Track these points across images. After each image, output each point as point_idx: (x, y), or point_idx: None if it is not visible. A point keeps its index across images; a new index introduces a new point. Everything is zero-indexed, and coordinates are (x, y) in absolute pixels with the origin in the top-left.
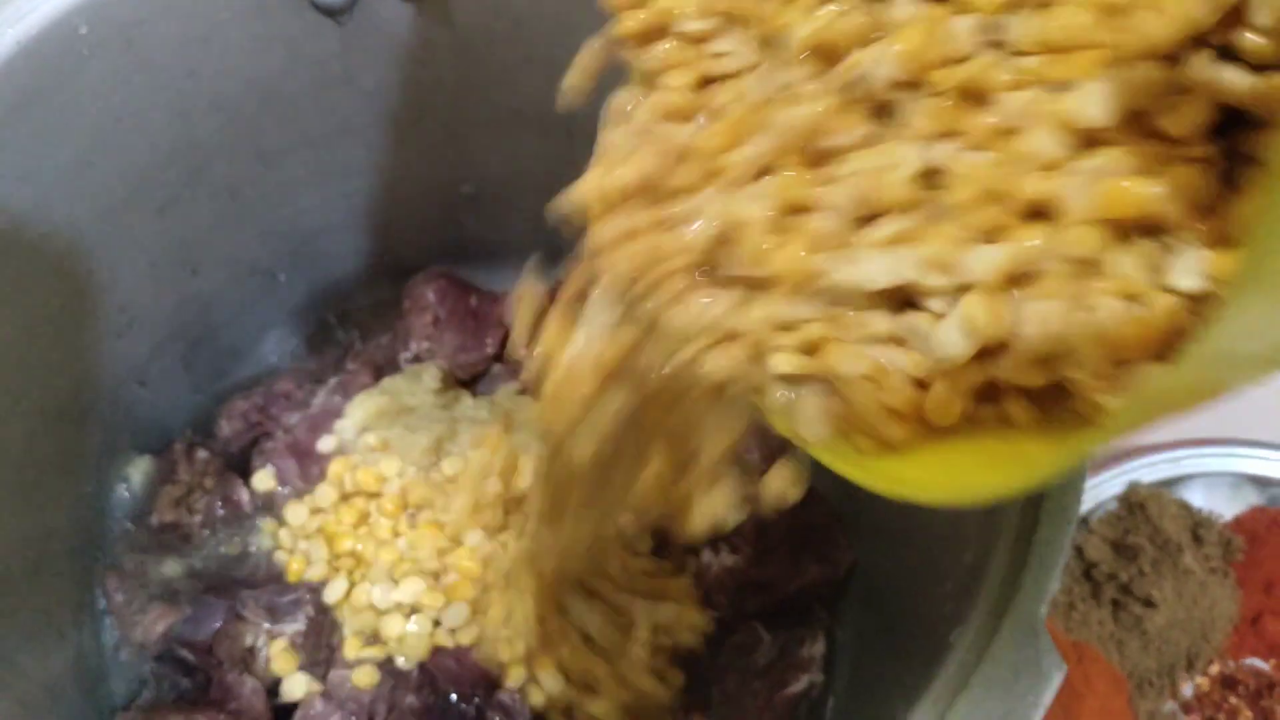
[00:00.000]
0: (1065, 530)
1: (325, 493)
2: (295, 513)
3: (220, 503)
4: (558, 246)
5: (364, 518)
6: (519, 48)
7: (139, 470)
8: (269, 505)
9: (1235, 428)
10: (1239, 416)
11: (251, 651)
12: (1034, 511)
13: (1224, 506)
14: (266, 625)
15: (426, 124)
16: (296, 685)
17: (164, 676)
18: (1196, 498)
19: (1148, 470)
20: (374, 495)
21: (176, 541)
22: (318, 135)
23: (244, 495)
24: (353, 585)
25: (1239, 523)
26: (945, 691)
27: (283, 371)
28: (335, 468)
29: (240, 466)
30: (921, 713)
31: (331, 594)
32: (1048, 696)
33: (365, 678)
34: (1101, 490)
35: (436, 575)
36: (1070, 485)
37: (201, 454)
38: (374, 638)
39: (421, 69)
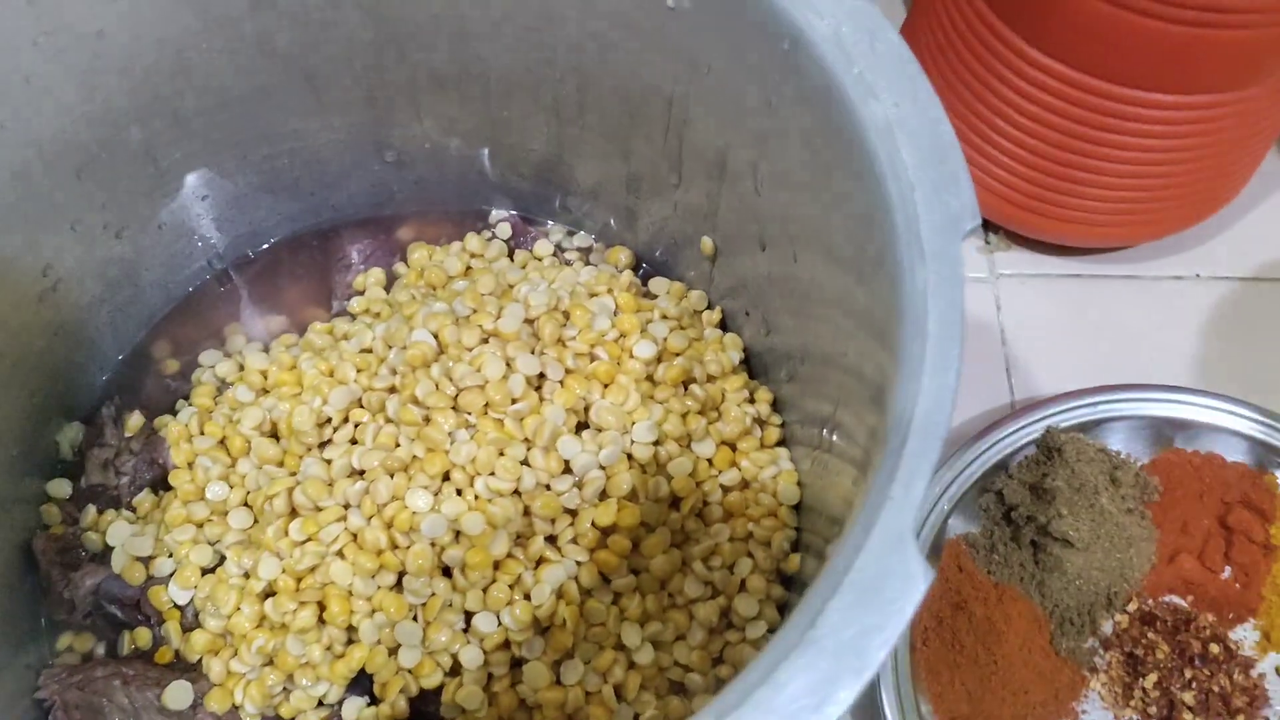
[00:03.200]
0: (932, 443)
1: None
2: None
3: (146, 465)
4: (484, 209)
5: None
6: (428, 6)
7: (68, 436)
8: None
9: (1151, 374)
10: (1154, 363)
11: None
12: (904, 430)
13: (1141, 450)
14: None
15: (344, 86)
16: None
17: (96, 632)
18: (1115, 442)
19: (1065, 416)
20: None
21: (105, 503)
22: (234, 98)
23: (169, 457)
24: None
25: (1155, 465)
26: (817, 600)
27: None
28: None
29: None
30: (795, 620)
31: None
32: (914, 601)
33: None
34: (1020, 436)
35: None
36: (938, 403)
37: (133, 418)
38: None
39: (334, 29)
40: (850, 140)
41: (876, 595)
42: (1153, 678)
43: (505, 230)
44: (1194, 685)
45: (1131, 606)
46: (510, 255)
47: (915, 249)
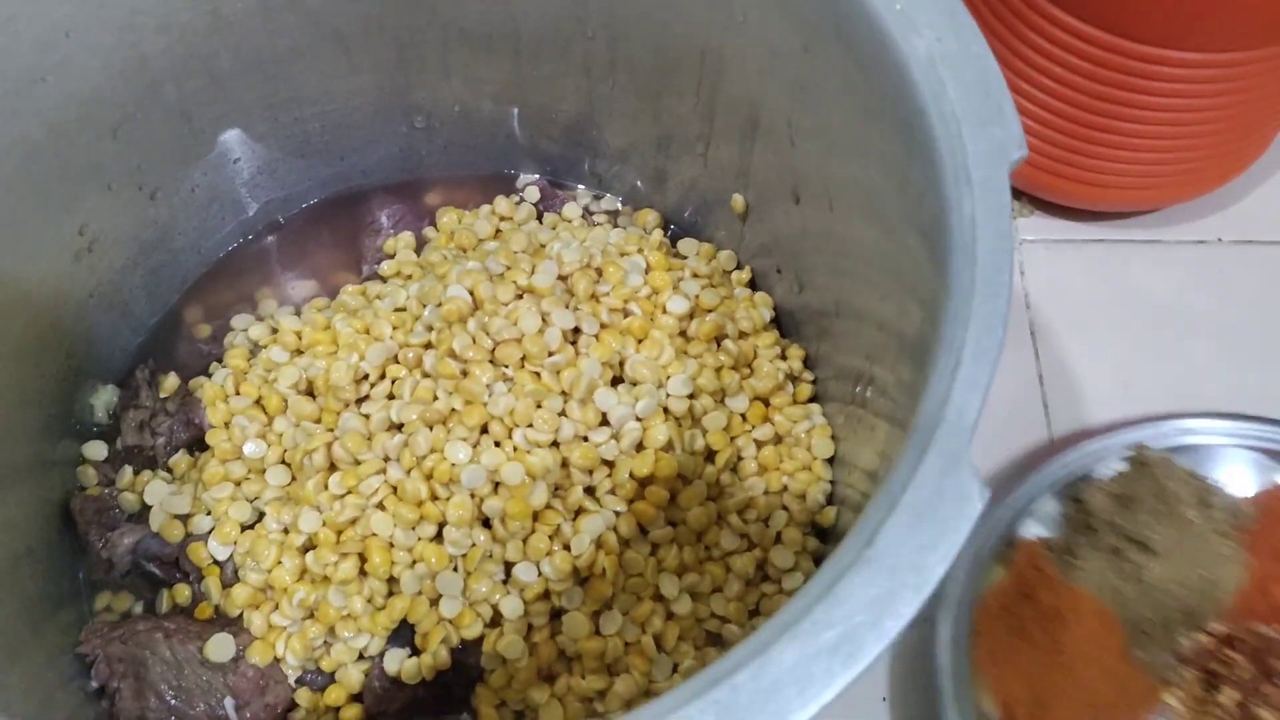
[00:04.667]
0: (985, 368)
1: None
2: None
3: (182, 426)
4: (512, 174)
5: None
6: None
7: (102, 399)
8: None
9: (1177, 345)
10: (1178, 332)
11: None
12: (956, 353)
13: (1237, 480)
14: None
15: (375, 45)
16: None
17: (134, 590)
18: (1208, 468)
19: (1157, 437)
20: None
21: (141, 464)
22: (267, 58)
23: (205, 418)
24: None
25: (1255, 498)
26: (874, 519)
27: None
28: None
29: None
30: (851, 540)
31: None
32: (970, 520)
33: None
34: (1107, 449)
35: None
36: (989, 328)
37: (169, 379)
38: None
39: None
40: (892, 78)
41: (933, 514)
42: (1231, 693)
43: (534, 194)
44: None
45: (1215, 627)
46: (539, 219)
47: (962, 179)
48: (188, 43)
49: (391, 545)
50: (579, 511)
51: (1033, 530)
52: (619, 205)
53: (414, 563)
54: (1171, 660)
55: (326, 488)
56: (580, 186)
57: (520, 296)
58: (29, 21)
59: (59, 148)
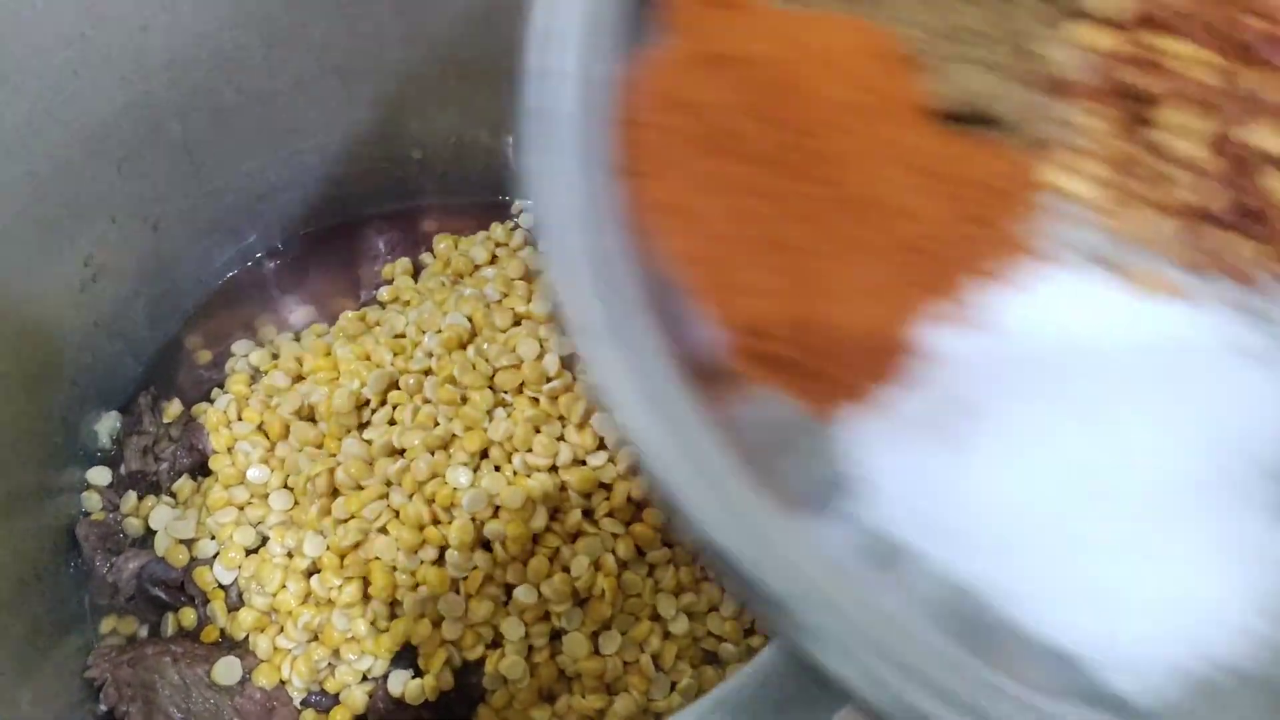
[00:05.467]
0: None
1: None
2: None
3: (186, 451)
4: (505, 202)
5: None
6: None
7: (106, 425)
8: None
9: None
10: None
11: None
12: None
13: None
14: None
15: (375, 79)
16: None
17: (139, 614)
18: None
19: None
20: None
21: (145, 489)
22: (269, 93)
23: (208, 443)
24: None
25: None
26: None
27: None
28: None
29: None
30: None
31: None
32: None
33: None
34: None
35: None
36: None
37: (172, 406)
38: None
39: (365, 21)
40: None
41: None
42: (1183, 114)
43: (529, 220)
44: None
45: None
46: (534, 245)
47: None
48: (192, 78)
49: (394, 568)
50: (578, 534)
51: None
52: None
53: (416, 585)
54: (1039, 103)
55: (329, 512)
56: None
57: (518, 323)
58: (39, 61)
59: (65, 182)
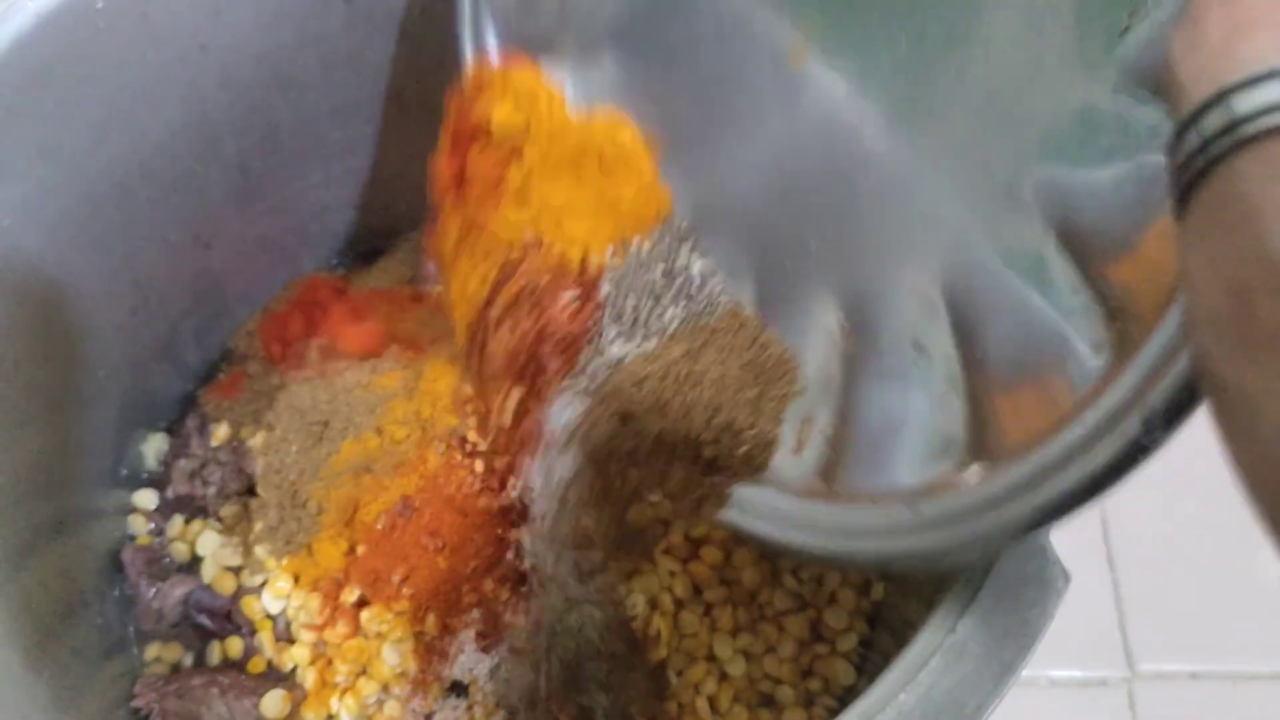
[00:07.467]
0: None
1: None
2: None
3: (233, 475)
4: None
5: None
6: None
7: (153, 447)
8: None
9: None
10: None
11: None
12: None
13: None
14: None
15: (430, 102)
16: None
17: (184, 642)
18: None
19: None
20: None
21: (192, 513)
22: (325, 113)
23: (256, 467)
24: None
25: None
26: (956, 605)
27: None
28: None
29: None
30: (934, 625)
31: None
32: (1053, 606)
33: None
34: None
35: None
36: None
37: (220, 429)
38: None
39: (424, 46)
40: None
41: (1015, 602)
42: None
43: None
44: None
45: None
46: None
47: None
48: (248, 99)
49: None
50: (634, 571)
51: None
52: None
53: None
54: None
55: None
56: None
57: None
58: (99, 83)
59: (120, 203)
